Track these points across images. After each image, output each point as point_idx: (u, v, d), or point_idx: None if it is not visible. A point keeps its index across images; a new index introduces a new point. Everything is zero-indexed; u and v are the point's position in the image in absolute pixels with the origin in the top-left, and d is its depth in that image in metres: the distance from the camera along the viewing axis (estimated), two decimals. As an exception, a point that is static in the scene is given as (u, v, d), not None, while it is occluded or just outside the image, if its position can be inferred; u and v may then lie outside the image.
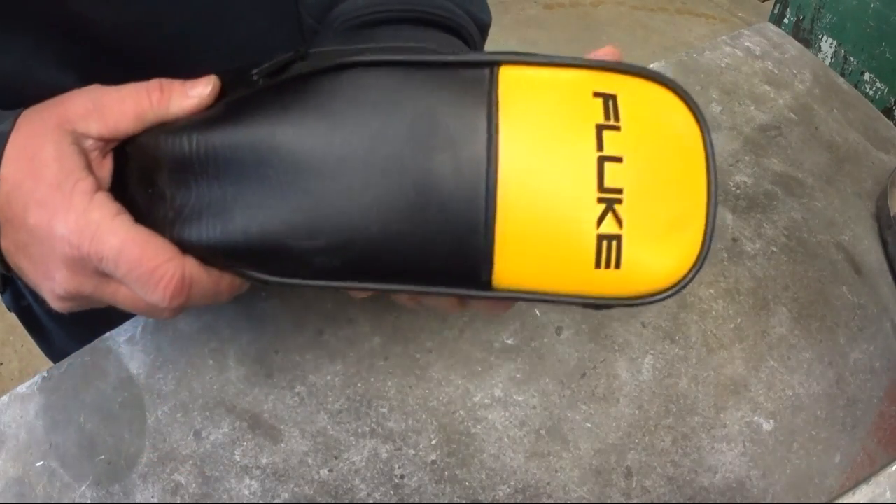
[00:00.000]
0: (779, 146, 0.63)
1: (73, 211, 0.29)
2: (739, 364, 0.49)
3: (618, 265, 0.27)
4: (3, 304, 0.57)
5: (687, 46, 1.97)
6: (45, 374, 0.46)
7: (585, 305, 0.29)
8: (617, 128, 0.27)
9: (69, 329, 0.56)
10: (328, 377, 0.46)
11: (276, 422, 0.44)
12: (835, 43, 1.41)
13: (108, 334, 0.47)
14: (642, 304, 0.28)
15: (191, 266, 0.30)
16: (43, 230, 0.29)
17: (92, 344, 0.47)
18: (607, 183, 0.26)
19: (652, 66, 0.68)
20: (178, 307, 0.30)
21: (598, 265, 0.27)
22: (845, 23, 1.37)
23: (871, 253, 0.57)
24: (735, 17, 2.28)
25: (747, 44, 0.72)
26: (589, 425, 0.46)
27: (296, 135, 0.28)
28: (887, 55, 1.30)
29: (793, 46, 0.72)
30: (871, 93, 1.35)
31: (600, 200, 0.26)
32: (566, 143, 0.27)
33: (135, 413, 0.44)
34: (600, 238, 0.27)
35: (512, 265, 0.27)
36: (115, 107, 0.30)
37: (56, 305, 0.32)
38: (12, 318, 0.58)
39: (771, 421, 0.47)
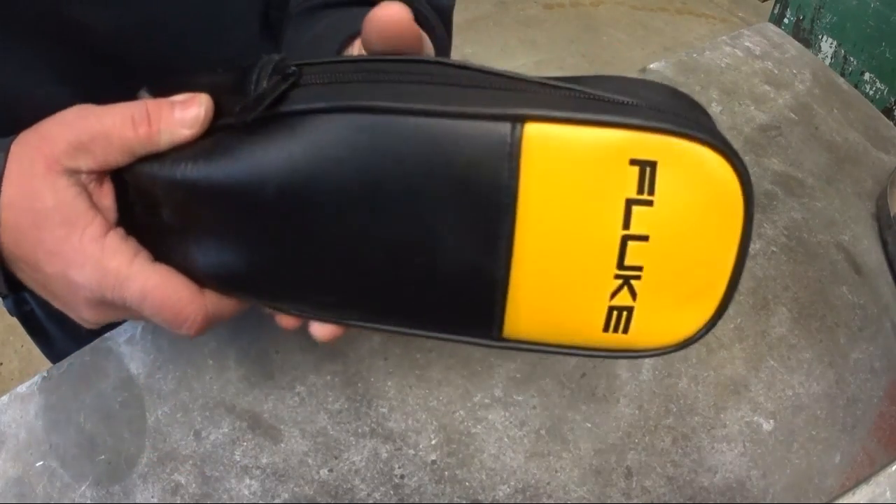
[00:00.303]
0: (779, 146, 0.63)
1: (89, 262, 0.28)
2: (739, 364, 0.49)
3: (626, 331, 0.27)
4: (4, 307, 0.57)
5: (687, 46, 1.97)
6: (45, 374, 0.46)
7: (589, 356, 0.29)
8: (649, 203, 0.24)
9: (73, 333, 0.56)
10: (328, 377, 0.46)
11: (276, 422, 0.44)
12: (835, 43, 1.41)
13: (108, 334, 0.47)
14: (645, 356, 0.28)
15: (212, 302, 0.31)
16: (60, 279, 0.29)
17: (92, 344, 0.47)
18: (628, 261, 0.25)
19: (652, 66, 0.69)
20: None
21: (605, 330, 0.27)
22: (845, 23, 1.37)
23: (871, 253, 0.57)
24: (735, 17, 2.28)
25: (747, 44, 0.72)
26: (589, 425, 0.46)
27: (289, 177, 0.26)
28: (887, 55, 1.30)
29: (793, 46, 0.72)
30: (871, 93, 1.35)
31: (618, 277, 0.26)
32: (590, 219, 0.25)
33: (135, 413, 0.44)
34: (611, 308, 0.26)
35: (521, 324, 0.27)
36: (101, 141, 0.28)
37: (85, 325, 0.33)
38: (12, 318, 0.58)
39: (771, 421, 0.47)
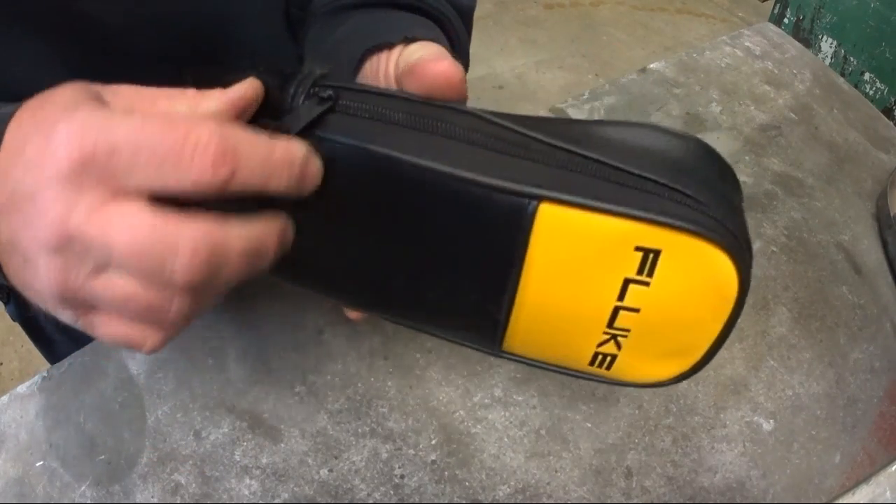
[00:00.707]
0: (779, 146, 0.63)
1: (79, 114, 0.23)
2: (739, 364, 0.49)
3: (609, 368, 0.30)
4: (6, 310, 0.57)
5: (687, 46, 1.98)
6: (45, 374, 0.46)
7: (578, 378, 0.32)
8: (646, 283, 0.26)
9: (76, 339, 0.55)
10: (328, 377, 0.46)
11: (276, 422, 0.44)
12: (835, 43, 1.41)
13: (108, 334, 0.47)
14: (626, 386, 0.31)
15: (228, 126, 0.24)
16: (35, 152, 0.23)
17: (92, 344, 0.47)
18: (617, 324, 0.28)
19: (652, 66, 0.69)
20: (223, 184, 0.23)
21: (591, 364, 0.30)
22: (845, 23, 1.37)
23: (871, 253, 0.57)
24: (735, 17, 2.28)
25: (747, 44, 0.72)
26: (589, 425, 0.46)
27: (313, 213, 0.28)
28: (887, 55, 1.30)
29: (793, 46, 0.72)
30: (871, 93, 1.35)
31: (606, 333, 0.28)
32: (588, 289, 0.27)
33: (135, 413, 0.44)
34: (597, 353, 0.29)
35: (519, 344, 0.30)
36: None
37: (51, 306, 0.26)
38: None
39: (771, 421, 0.47)
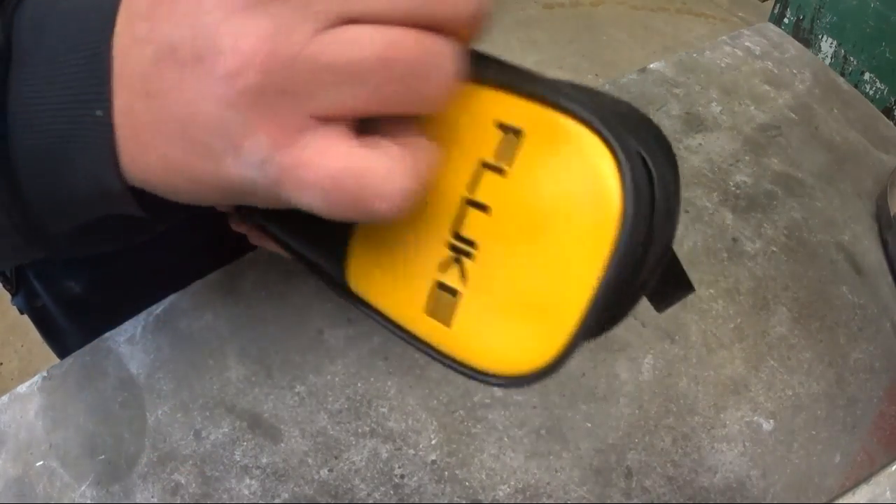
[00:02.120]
0: (779, 146, 0.63)
1: None
2: (739, 364, 0.49)
3: (448, 323, 0.24)
4: (7, 304, 0.57)
5: (687, 46, 1.97)
6: (45, 374, 0.46)
7: (423, 352, 0.25)
8: (501, 171, 0.21)
9: (88, 327, 0.55)
10: (328, 377, 0.46)
11: (276, 422, 0.44)
12: (835, 43, 1.41)
13: (108, 334, 0.47)
14: (475, 380, 0.24)
15: None
16: None
17: (92, 344, 0.47)
18: (463, 230, 0.22)
19: (652, 65, 0.69)
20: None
21: (428, 312, 0.24)
22: (845, 23, 1.37)
23: (871, 253, 0.57)
24: (735, 17, 2.28)
25: (747, 44, 0.72)
26: (589, 425, 0.46)
27: None
28: (887, 55, 1.30)
29: (793, 46, 0.72)
30: (871, 93, 1.35)
31: (451, 246, 0.23)
32: (441, 168, 0.22)
33: (135, 413, 0.44)
34: (437, 284, 0.23)
35: (362, 271, 0.25)
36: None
37: (236, 130, 0.18)
38: (13, 318, 0.58)
39: (771, 421, 0.47)
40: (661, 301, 0.25)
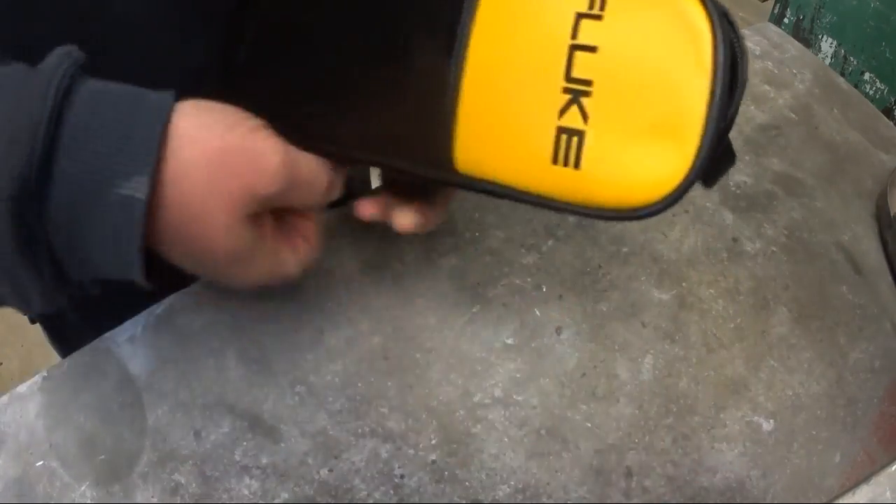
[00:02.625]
0: (779, 146, 0.63)
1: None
2: (739, 364, 0.49)
3: (577, 165, 0.24)
4: (8, 308, 0.56)
5: (687, 46, 1.96)
6: (45, 374, 0.46)
7: (543, 206, 0.26)
8: (598, 17, 0.24)
9: (96, 326, 0.55)
10: (328, 377, 0.46)
11: (276, 422, 0.44)
12: (835, 43, 1.41)
13: (107, 334, 0.47)
14: (603, 218, 0.25)
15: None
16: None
17: (92, 344, 0.47)
18: (575, 73, 0.24)
19: (652, 65, 0.68)
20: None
21: (555, 161, 0.25)
22: (845, 23, 1.37)
23: (871, 253, 0.57)
24: (735, 17, 2.27)
25: (747, 44, 0.72)
26: (589, 425, 0.46)
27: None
28: (887, 55, 1.30)
29: (793, 46, 0.72)
30: (871, 93, 1.35)
31: (566, 91, 0.24)
32: (539, 27, 0.24)
33: (135, 413, 0.44)
34: (560, 130, 0.24)
35: (473, 147, 0.26)
36: (305, 189, 0.31)
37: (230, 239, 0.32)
38: (12, 318, 0.58)
39: (771, 421, 0.47)
40: (711, 175, 0.27)
